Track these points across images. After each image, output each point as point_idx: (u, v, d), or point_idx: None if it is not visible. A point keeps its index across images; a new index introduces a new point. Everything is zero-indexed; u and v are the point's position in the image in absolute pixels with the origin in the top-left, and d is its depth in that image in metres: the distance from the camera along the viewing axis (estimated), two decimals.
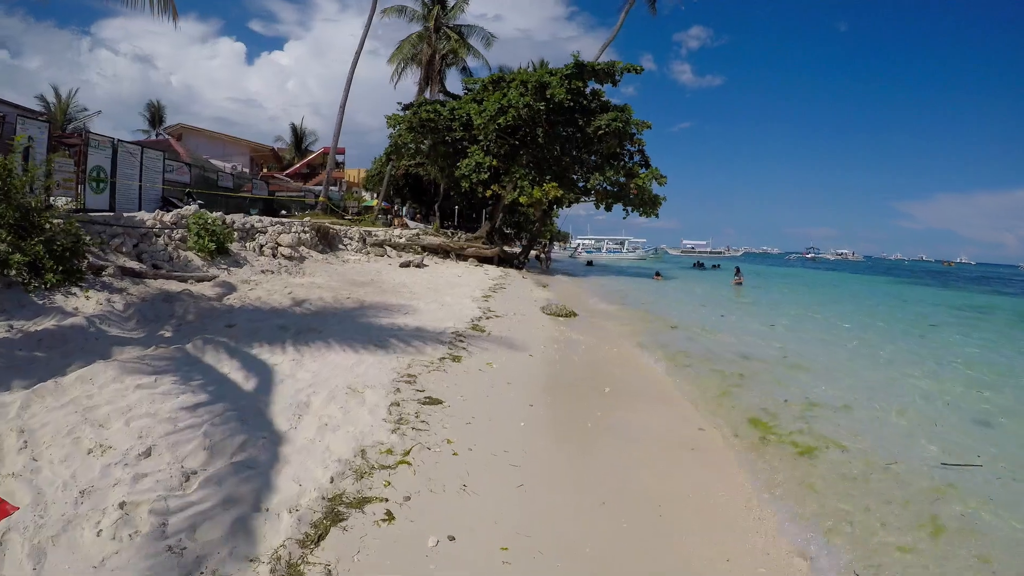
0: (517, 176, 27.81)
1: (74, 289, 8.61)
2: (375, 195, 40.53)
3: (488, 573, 3.22)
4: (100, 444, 4.37)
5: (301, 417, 4.91)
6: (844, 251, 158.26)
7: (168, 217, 13.25)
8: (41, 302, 8.17)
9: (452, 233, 30.83)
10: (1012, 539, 4.35)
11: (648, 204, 30.13)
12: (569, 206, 32.04)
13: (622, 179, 29.35)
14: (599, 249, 72.79)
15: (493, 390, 6.57)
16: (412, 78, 38.67)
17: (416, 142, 29.92)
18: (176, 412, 4.82)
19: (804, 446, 5.96)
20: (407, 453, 4.42)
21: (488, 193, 29.05)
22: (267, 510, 3.54)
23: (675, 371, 9.13)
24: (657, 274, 35.32)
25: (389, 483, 3.96)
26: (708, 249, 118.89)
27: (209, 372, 5.89)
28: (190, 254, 12.77)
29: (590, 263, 51.39)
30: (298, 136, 50.42)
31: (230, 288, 10.82)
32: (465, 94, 32.69)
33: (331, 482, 3.85)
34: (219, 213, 15.24)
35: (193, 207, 14.88)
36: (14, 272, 7.21)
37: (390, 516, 3.57)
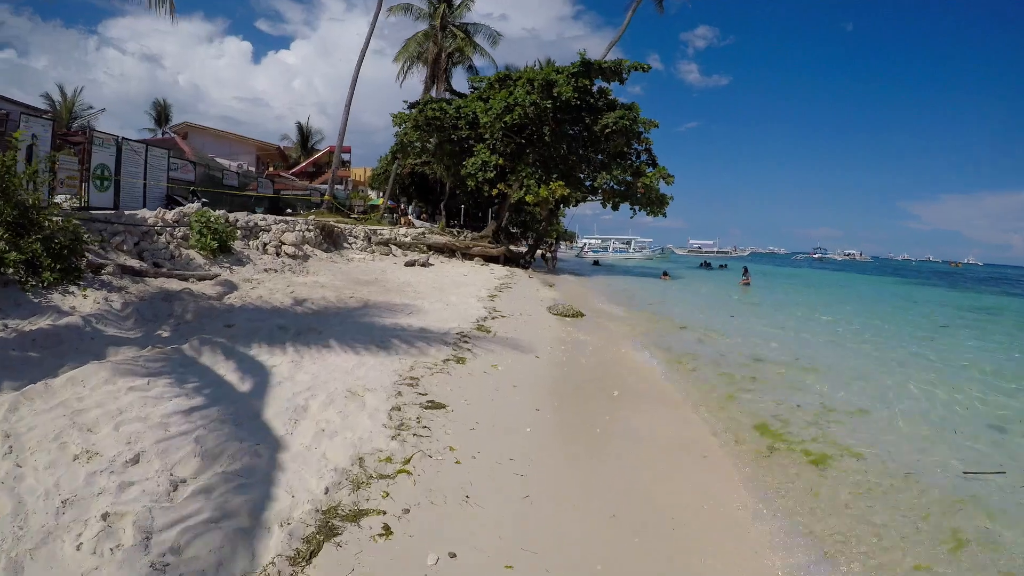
0: (523, 175, 27.59)
1: (72, 288, 8.46)
2: (381, 194, 40.37)
3: None
4: (87, 450, 4.18)
5: (298, 422, 4.70)
6: (852, 251, 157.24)
7: (170, 215, 13.10)
8: (37, 301, 8.02)
9: (458, 232, 30.63)
10: None
11: (655, 203, 29.85)
12: (576, 205, 31.79)
13: (629, 178, 29.09)
14: (605, 249, 72.45)
15: (498, 393, 6.35)
16: (418, 77, 38.58)
17: (422, 140, 29.74)
18: (168, 416, 4.63)
19: (817, 454, 5.71)
20: (407, 461, 4.21)
21: (494, 192, 28.84)
22: (257, 523, 3.33)
23: (685, 374, 8.89)
24: (664, 274, 35.04)
25: (387, 494, 3.74)
26: (715, 249, 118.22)
27: (205, 374, 5.70)
28: (192, 252, 12.61)
29: (596, 263, 51.14)
30: (304, 135, 50.36)
31: (231, 287, 10.65)
32: (471, 92, 32.49)
33: (326, 493, 3.64)
34: (222, 211, 15.08)
35: (196, 205, 14.72)
36: (11, 270, 7.06)
37: (387, 530, 3.36)
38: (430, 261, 21.97)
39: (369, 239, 22.73)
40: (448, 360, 7.27)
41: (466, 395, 6.05)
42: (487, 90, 29.26)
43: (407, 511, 3.58)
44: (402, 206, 42.13)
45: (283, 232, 16.49)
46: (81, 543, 3.25)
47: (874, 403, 7.77)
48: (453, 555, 3.23)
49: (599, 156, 29.74)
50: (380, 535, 3.31)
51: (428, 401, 5.58)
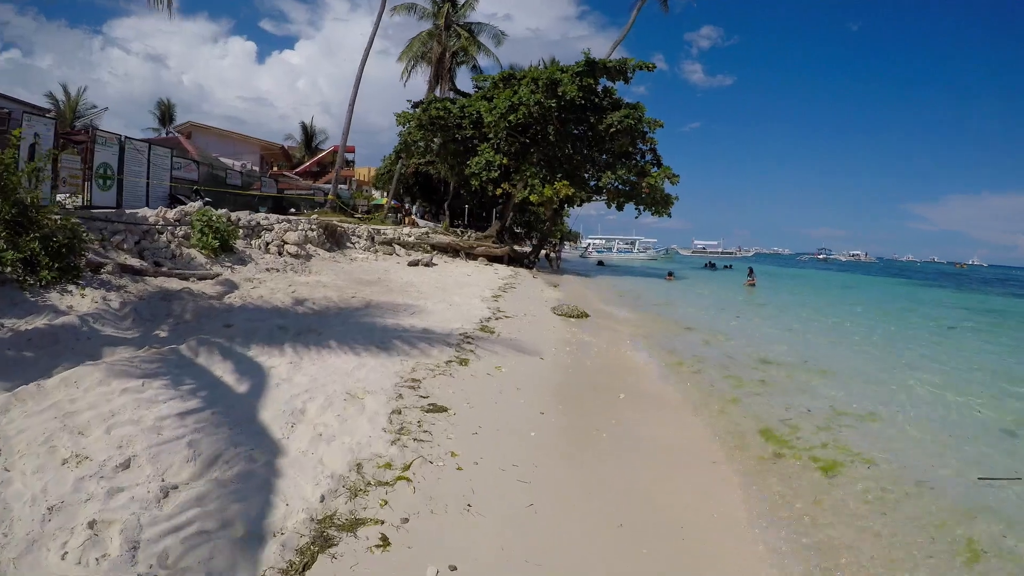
0: (528, 174, 27.42)
1: (70, 287, 8.36)
2: (385, 193, 40.27)
3: None
4: (77, 454, 4.06)
5: (294, 426, 4.56)
6: (857, 252, 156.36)
7: (171, 214, 13.00)
8: (35, 300, 7.91)
9: (462, 232, 30.49)
10: None
11: (660, 203, 29.64)
12: (580, 205, 31.60)
13: (634, 178, 28.87)
14: (610, 249, 72.17)
15: (502, 396, 6.19)
16: (422, 76, 38.46)
17: (426, 140, 29.61)
18: (162, 420, 4.50)
19: (827, 460, 5.52)
20: (407, 467, 4.06)
21: (498, 192, 28.69)
22: (249, 533, 3.19)
23: (691, 377, 8.71)
24: (669, 274, 34.82)
25: (386, 502, 3.59)
26: (720, 249, 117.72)
27: (201, 375, 5.56)
28: (193, 251, 12.50)
29: (601, 263, 50.92)
30: (308, 134, 50.32)
31: (232, 286, 10.53)
32: (475, 92, 32.34)
33: (321, 501, 3.49)
34: (224, 210, 14.98)
35: (197, 204, 14.61)
36: (9, 269, 6.96)
37: (385, 541, 3.21)
38: (434, 261, 21.84)
39: (372, 239, 22.61)
40: (451, 361, 7.12)
41: (469, 398, 5.89)
42: (491, 89, 29.11)
43: (406, 521, 3.43)
44: (406, 206, 42.01)
45: (286, 231, 16.37)
46: (66, 552, 3.12)
47: (884, 407, 7.58)
48: (454, 568, 3.08)
49: (604, 156, 29.54)
50: (377, 546, 3.16)
51: (430, 404, 5.43)
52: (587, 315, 13.66)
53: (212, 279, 10.98)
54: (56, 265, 7.22)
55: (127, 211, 13.08)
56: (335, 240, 19.89)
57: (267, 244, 15.46)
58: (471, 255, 26.67)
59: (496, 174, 27.40)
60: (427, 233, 27.02)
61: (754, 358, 10.23)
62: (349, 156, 45.53)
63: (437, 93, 35.60)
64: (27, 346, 6.54)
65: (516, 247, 32.95)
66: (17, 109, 17.62)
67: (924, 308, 24.59)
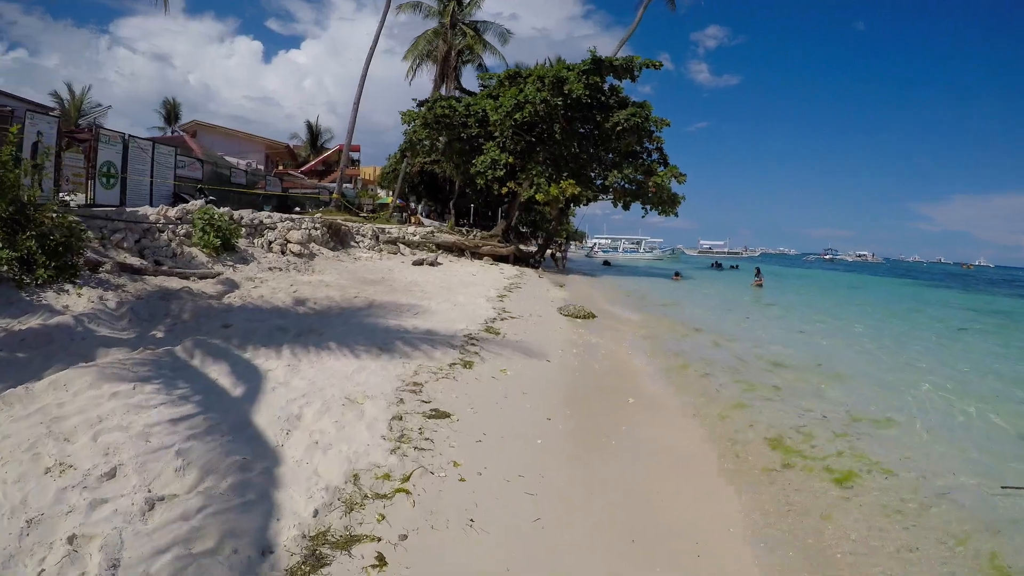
0: (534, 173, 27.19)
1: (67, 286, 8.20)
2: (390, 192, 40.11)
3: None
4: (61, 462, 3.86)
5: (290, 433, 4.35)
6: (864, 253, 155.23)
7: (173, 212, 12.83)
8: (31, 299, 7.75)
9: (467, 231, 30.27)
10: None
11: (667, 203, 29.35)
12: (586, 204, 31.34)
13: (640, 177, 28.60)
14: (615, 249, 71.92)
15: (507, 401, 5.95)
16: (428, 75, 38.23)
17: (431, 139, 29.41)
18: (151, 426, 4.30)
19: (843, 471, 5.25)
20: (407, 478, 3.83)
21: (504, 191, 28.47)
22: (236, 551, 2.98)
23: (703, 380, 8.44)
24: (676, 274, 34.55)
25: (383, 517, 3.37)
26: (726, 249, 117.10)
27: (195, 378, 5.37)
28: (195, 250, 12.33)
29: (607, 263, 50.65)
30: (314, 134, 50.21)
31: (232, 286, 10.34)
32: (481, 90, 32.12)
33: (315, 516, 3.28)
34: (226, 208, 14.81)
35: (199, 202, 14.45)
36: (4, 268, 6.82)
37: (381, 561, 2.99)
38: (439, 260, 21.64)
39: (377, 238, 22.43)
40: (454, 364, 6.89)
41: (473, 403, 5.67)
42: (497, 88, 28.88)
43: (404, 537, 3.21)
44: (412, 205, 41.83)
45: (289, 230, 16.20)
46: (43, 569, 2.93)
47: (900, 414, 7.29)
48: None
49: (610, 155, 29.28)
50: (373, 566, 2.94)
51: (432, 410, 5.21)
52: (594, 316, 13.41)
53: (213, 278, 10.80)
54: (53, 264, 7.09)
55: (128, 209, 12.93)
56: (339, 239, 19.71)
57: (270, 243, 15.28)
58: (476, 254, 26.46)
59: (502, 173, 27.18)
60: (432, 232, 26.83)
61: (766, 361, 9.97)
62: (354, 155, 45.39)
63: (443, 92, 35.37)
64: (20, 347, 6.37)
65: (522, 246, 32.71)
66: (20, 107, 17.49)
67: (933, 309, 24.23)
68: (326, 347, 6.67)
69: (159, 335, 7.10)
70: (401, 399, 5.33)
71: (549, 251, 35.92)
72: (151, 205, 15.37)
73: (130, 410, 4.51)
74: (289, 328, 7.45)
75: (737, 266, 57.88)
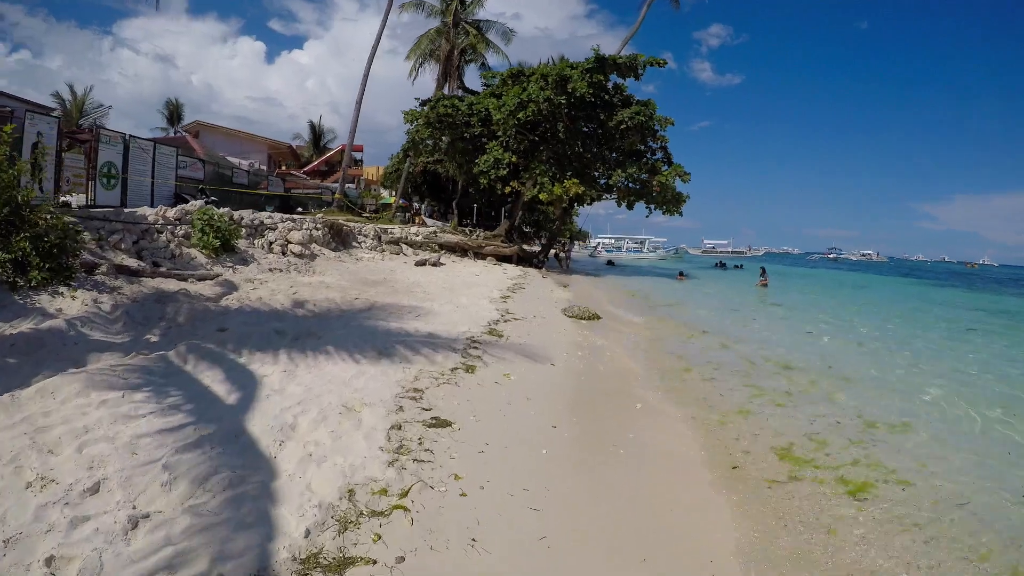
0: (537, 172, 26.96)
1: (62, 288, 8.04)
2: (393, 192, 39.93)
3: None
4: (43, 476, 3.68)
5: (283, 444, 4.15)
6: (868, 252, 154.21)
7: (172, 212, 12.66)
8: (24, 302, 7.58)
9: (470, 231, 30.06)
10: None
11: (671, 202, 29.09)
12: (590, 204, 31.08)
13: (644, 176, 28.34)
14: (619, 248, 71.56)
15: (511, 408, 5.74)
16: (431, 74, 38.02)
17: (434, 138, 29.22)
18: (138, 437, 4.11)
19: (856, 483, 5.02)
20: (405, 494, 3.63)
21: (507, 190, 28.26)
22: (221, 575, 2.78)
23: (712, 385, 8.20)
24: (680, 274, 34.29)
25: (379, 537, 3.17)
26: (729, 249, 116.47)
27: (188, 385, 5.18)
28: (194, 251, 12.16)
29: (611, 263, 50.38)
30: (316, 134, 50.06)
31: (231, 287, 10.16)
32: (484, 89, 31.91)
33: (307, 536, 3.08)
34: (226, 209, 14.65)
35: (199, 202, 14.29)
36: None
37: None
38: (441, 261, 21.45)
39: (379, 238, 22.24)
40: (456, 369, 6.69)
41: (475, 409, 5.46)
42: (500, 86, 28.67)
43: (402, 559, 3.01)
44: (415, 205, 41.64)
45: (290, 231, 16.02)
46: None
47: (914, 420, 7.05)
48: None
49: (614, 154, 29.03)
50: None
51: (432, 418, 5.00)
52: (598, 317, 13.20)
53: (211, 280, 10.63)
54: (47, 266, 6.92)
55: (126, 210, 12.77)
56: (341, 239, 19.53)
57: (270, 244, 15.11)
58: (480, 254, 26.27)
59: (505, 172, 26.97)
60: (435, 232, 26.64)
61: (774, 363, 9.73)
62: (357, 155, 45.22)
63: (445, 91, 35.18)
64: (11, 352, 6.19)
65: (525, 246, 32.50)
66: (20, 108, 17.36)
67: (940, 309, 23.95)
68: (324, 351, 6.47)
69: (153, 339, 6.92)
70: (401, 406, 5.13)
71: (553, 251, 35.69)
72: (152, 206, 15.22)
73: (117, 420, 4.33)
74: (287, 331, 7.26)
75: (741, 266, 57.49)
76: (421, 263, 19.77)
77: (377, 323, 8.65)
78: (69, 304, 7.66)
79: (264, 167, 35.20)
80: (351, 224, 21.79)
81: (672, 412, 6.67)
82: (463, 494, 3.78)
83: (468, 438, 4.71)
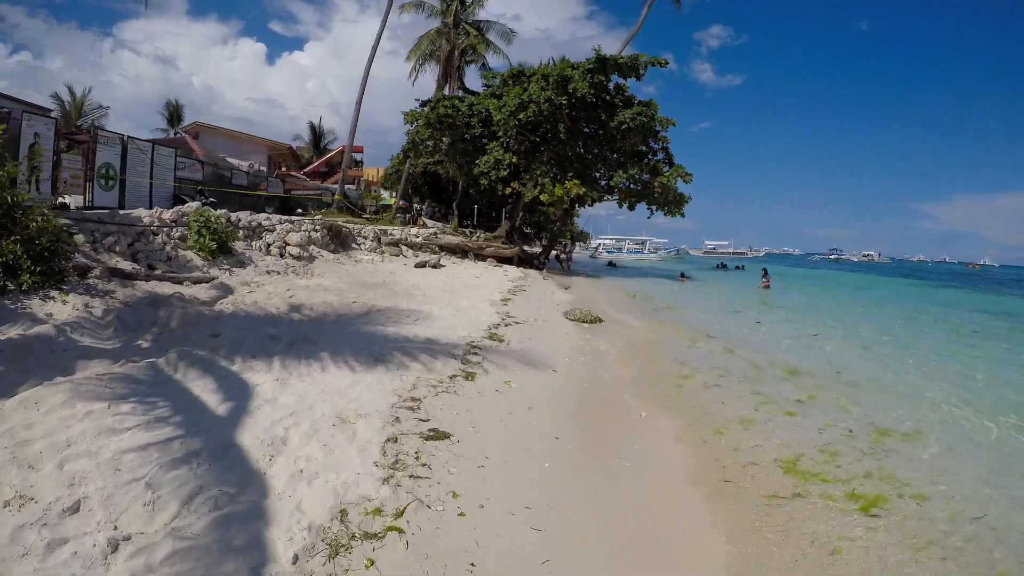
0: (538, 173, 26.78)
1: (53, 292, 7.87)
2: (393, 193, 39.76)
3: None
4: (22, 494, 3.51)
5: (274, 459, 3.96)
6: (869, 252, 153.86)
7: (167, 214, 12.49)
8: (14, 307, 7.40)
9: (471, 232, 29.89)
10: None
11: (673, 203, 28.89)
12: (592, 205, 30.89)
13: (646, 177, 28.15)
14: (620, 249, 71.39)
15: (511, 417, 5.55)
16: (431, 75, 37.86)
17: (434, 139, 29.06)
18: (122, 452, 3.93)
19: (868, 497, 4.82)
20: (400, 513, 3.44)
21: (508, 191, 28.08)
22: None
23: (719, 391, 7.97)
24: (682, 275, 34.11)
25: (372, 562, 2.98)
26: (731, 250, 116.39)
27: (177, 395, 5.00)
28: (190, 254, 11.99)
29: (612, 264, 50.19)
30: (316, 135, 49.92)
31: (226, 291, 9.98)
32: (485, 89, 31.75)
33: (295, 563, 2.89)
34: (223, 211, 14.47)
35: (195, 204, 14.12)
36: None
37: None
38: (442, 262, 21.26)
39: (379, 240, 22.06)
40: (455, 376, 6.50)
41: (475, 420, 5.27)
42: (500, 87, 28.49)
43: None
44: (416, 206, 41.47)
45: (288, 232, 15.85)
46: None
47: (927, 428, 6.86)
48: None
49: (615, 155, 28.84)
50: None
51: (430, 430, 4.81)
52: (601, 320, 13.02)
53: (207, 283, 10.45)
54: (38, 269, 6.76)
55: (121, 211, 12.61)
56: (340, 241, 19.36)
57: (268, 246, 14.93)
58: (480, 256, 26.10)
59: (505, 173, 26.79)
60: (435, 234, 26.47)
61: (782, 368, 9.53)
62: (357, 156, 45.09)
63: (446, 92, 35.01)
64: None
65: (526, 248, 32.32)
66: (17, 109, 17.23)
67: (944, 311, 23.72)
68: (319, 358, 6.28)
69: (144, 345, 6.74)
70: (397, 417, 4.94)
71: (554, 252, 35.51)
72: (151, 207, 15.07)
73: (101, 433, 4.15)
74: (281, 337, 7.07)
75: (743, 267, 57.23)
76: (421, 265, 19.59)
77: (375, 328, 8.47)
78: (60, 309, 7.48)
79: (264, 168, 35.06)
80: (350, 226, 21.62)
81: (676, 421, 6.47)
82: (462, 513, 3.60)
83: (467, 451, 4.53)
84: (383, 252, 21.33)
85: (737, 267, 56.41)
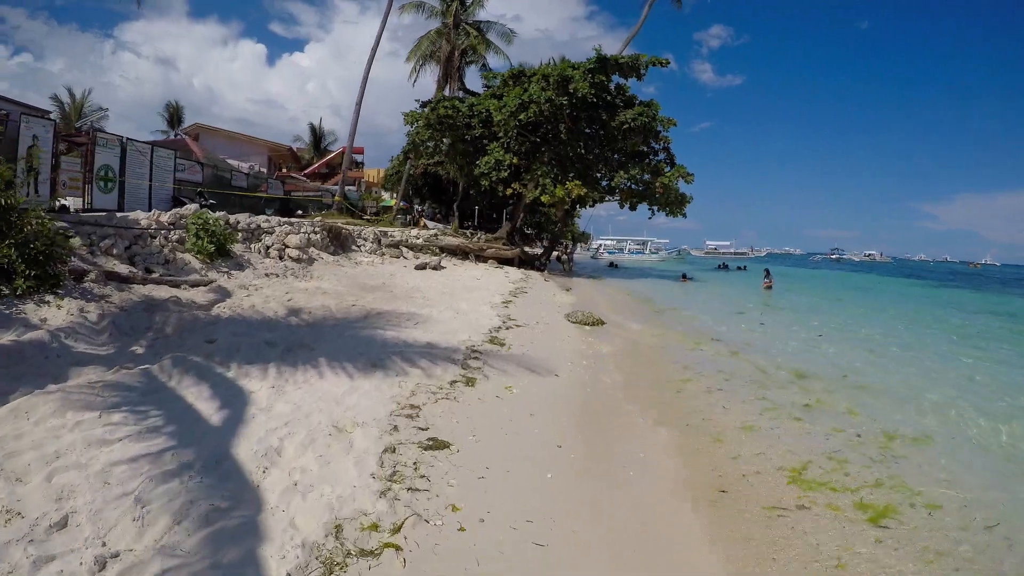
0: (539, 174, 26.66)
1: (48, 297, 7.77)
2: (394, 195, 39.67)
3: None
4: (9, 508, 3.40)
5: (267, 471, 3.85)
6: (871, 252, 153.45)
7: (165, 217, 12.39)
8: (8, 312, 7.30)
9: (471, 233, 29.78)
10: None
11: (675, 203, 28.76)
12: (593, 206, 30.76)
13: (647, 177, 28.04)
14: (621, 250, 71.22)
15: (513, 425, 5.43)
16: (431, 76, 37.72)
17: (434, 140, 28.96)
18: (112, 464, 3.82)
19: (876, 508, 4.67)
20: (397, 529, 3.33)
21: (508, 192, 27.97)
22: None
23: (722, 396, 7.83)
24: (684, 276, 33.97)
25: None
26: (732, 250, 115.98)
27: (170, 403, 4.89)
28: (188, 256, 11.89)
29: (613, 265, 50.07)
30: (317, 136, 49.86)
31: (224, 294, 9.88)
32: (485, 90, 31.64)
33: None
34: (222, 213, 14.37)
35: (193, 206, 14.02)
36: None
37: None
38: (442, 264, 21.15)
39: (379, 241, 21.96)
40: (455, 382, 6.38)
41: (475, 428, 5.16)
42: (501, 87, 28.39)
43: None
44: (417, 208, 41.37)
45: (287, 234, 15.75)
46: None
47: (937, 434, 6.71)
48: None
49: (616, 155, 28.73)
50: None
51: (429, 439, 4.69)
52: (603, 322, 12.90)
53: (205, 286, 10.35)
54: (33, 273, 6.67)
55: (118, 214, 12.51)
56: (340, 243, 19.26)
57: (267, 248, 14.83)
58: (481, 257, 26.00)
59: (506, 174, 26.69)
60: (436, 235, 26.36)
61: (788, 371, 9.38)
62: (358, 157, 45.04)
63: (446, 92, 34.91)
64: None
65: (527, 249, 32.23)
66: (15, 111, 17.14)
67: (949, 312, 23.53)
68: (316, 364, 6.17)
69: (139, 351, 6.63)
70: (395, 426, 4.82)
71: (555, 253, 35.39)
72: (150, 209, 14.98)
73: (91, 444, 4.04)
74: (278, 342, 6.96)
75: (745, 267, 57.04)
76: (421, 267, 19.49)
77: (374, 332, 8.36)
78: (54, 314, 7.38)
79: (264, 169, 35.02)
80: (351, 227, 21.53)
81: (682, 427, 6.34)
82: (461, 528, 3.48)
83: (467, 461, 4.41)
84: (383, 254, 21.23)
85: (739, 267, 56.23)
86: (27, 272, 6.58)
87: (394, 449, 4.36)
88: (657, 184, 27.73)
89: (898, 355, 11.99)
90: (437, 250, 24.30)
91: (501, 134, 26.65)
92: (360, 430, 4.59)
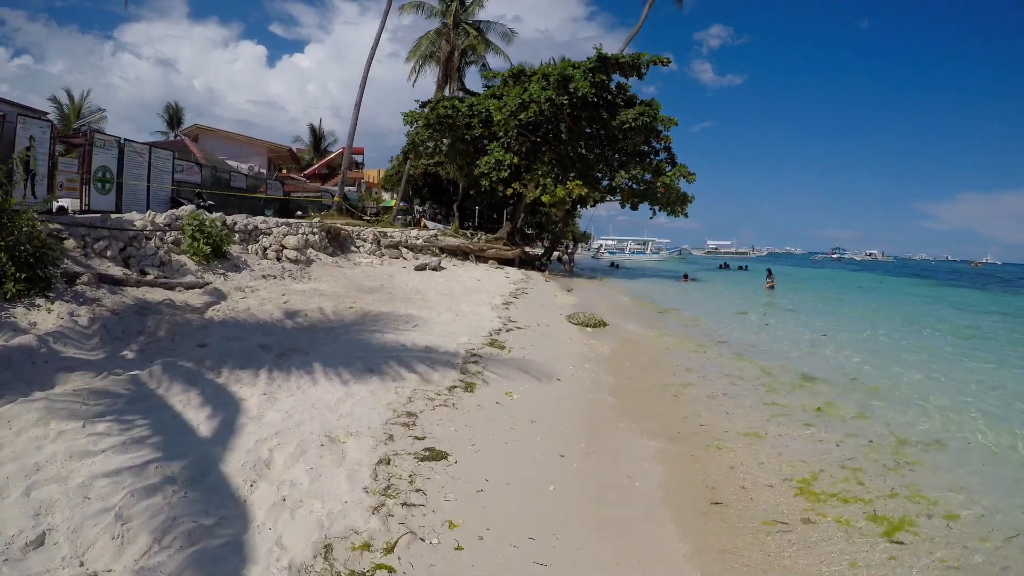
0: (539, 174, 26.49)
1: (39, 300, 7.60)
2: (394, 195, 39.50)
3: None
4: None
5: (255, 485, 3.67)
6: (873, 251, 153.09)
7: (161, 218, 12.22)
8: None
9: (472, 234, 29.61)
10: None
11: (676, 203, 28.58)
12: (594, 205, 30.59)
13: (648, 177, 27.86)
14: (622, 250, 71.00)
15: (513, 434, 5.25)
16: (431, 76, 37.53)
17: (434, 140, 28.79)
18: (94, 477, 3.65)
19: (892, 520, 4.47)
20: (391, 548, 3.15)
21: (509, 192, 27.81)
22: None
23: (733, 400, 7.63)
24: (685, 276, 33.79)
25: None
26: (733, 249, 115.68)
27: (157, 412, 4.71)
28: (184, 258, 11.71)
29: (614, 264, 49.89)
30: (317, 137, 49.75)
31: (219, 296, 9.70)
32: (485, 89, 31.48)
33: None
34: (219, 214, 14.20)
35: (190, 207, 13.86)
36: None
37: None
38: (442, 264, 20.98)
39: (378, 242, 21.78)
40: (454, 387, 6.20)
41: (474, 436, 4.98)
42: (501, 87, 28.24)
43: None
44: (417, 208, 41.19)
45: (285, 235, 15.57)
46: None
47: (952, 439, 6.52)
48: None
49: (617, 155, 28.55)
50: None
51: (426, 449, 4.50)
52: (605, 324, 12.71)
53: (200, 288, 10.17)
54: (23, 276, 6.52)
55: (116, 215, 12.35)
56: (338, 244, 19.09)
57: (265, 249, 14.66)
58: (481, 258, 25.83)
59: (506, 174, 26.51)
60: (435, 236, 26.19)
61: (794, 374, 9.19)
62: (358, 158, 44.92)
63: (446, 92, 34.74)
64: None
65: (528, 249, 32.05)
66: (12, 112, 16.99)
67: (953, 312, 23.31)
68: (310, 369, 5.98)
69: (130, 356, 6.45)
70: (391, 435, 4.64)
71: (556, 253, 35.21)
72: (148, 210, 14.82)
73: (73, 456, 3.87)
74: (272, 347, 6.78)
75: (746, 267, 56.82)
76: (421, 267, 19.32)
77: (371, 335, 8.17)
78: (44, 318, 7.20)
79: (263, 170, 34.85)
80: (350, 228, 21.36)
81: (686, 433, 6.16)
82: (459, 547, 3.29)
83: (465, 473, 4.22)
84: (383, 255, 21.06)
85: (740, 267, 56.04)
86: (17, 275, 6.44)
87: (389, 460, 4.17)
88: (658, 184, 27.55)
89: (906, 358, 11.78)
90: (437, 251, 24.13)
91: (501, 134, 26.49)
92: (354, 440, 4.41)
